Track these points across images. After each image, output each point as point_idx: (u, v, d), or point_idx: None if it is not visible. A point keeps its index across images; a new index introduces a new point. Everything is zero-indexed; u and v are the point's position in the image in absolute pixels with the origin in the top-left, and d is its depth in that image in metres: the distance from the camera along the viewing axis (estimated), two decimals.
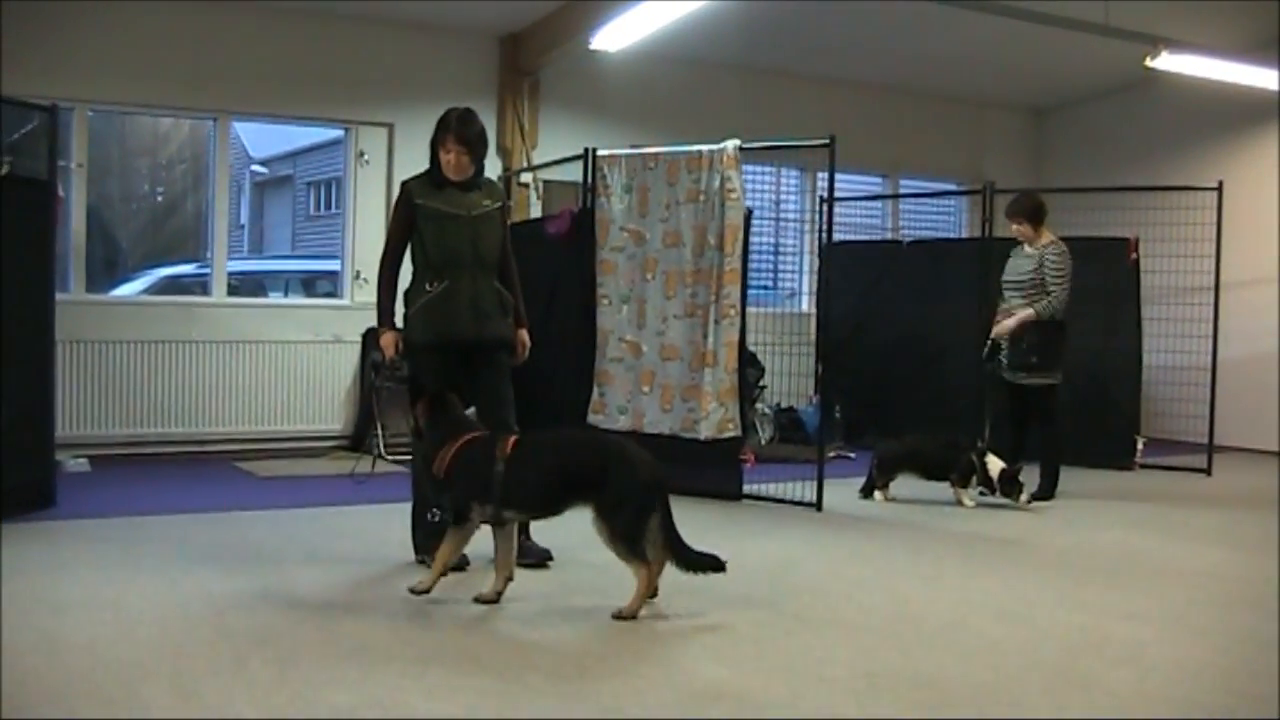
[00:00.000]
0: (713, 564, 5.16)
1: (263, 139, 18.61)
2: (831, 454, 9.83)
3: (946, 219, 13.92)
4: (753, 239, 8.73)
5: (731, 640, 4.82)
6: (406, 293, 6.10)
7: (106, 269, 11.58)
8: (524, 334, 6.27)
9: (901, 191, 13.78)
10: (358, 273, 10.69)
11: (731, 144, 8.32)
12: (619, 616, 5.01)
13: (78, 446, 9.17)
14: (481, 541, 5.44)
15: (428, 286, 5.97)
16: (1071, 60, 12.14)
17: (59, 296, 7.73)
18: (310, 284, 12.88)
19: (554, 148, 10.60)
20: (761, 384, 10.72)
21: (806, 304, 12.47)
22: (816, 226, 11.62)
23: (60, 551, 6.16)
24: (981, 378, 9.08)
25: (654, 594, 5.13)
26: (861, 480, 8.75)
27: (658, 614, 5.15)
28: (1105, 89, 13.38)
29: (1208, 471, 10.24)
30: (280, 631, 4.77)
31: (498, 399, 6.11)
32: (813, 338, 10.61)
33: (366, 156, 10.81)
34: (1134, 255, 10.42)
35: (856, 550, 6.86)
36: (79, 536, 6.58)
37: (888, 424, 11.05)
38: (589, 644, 4.70)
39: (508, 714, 3.92)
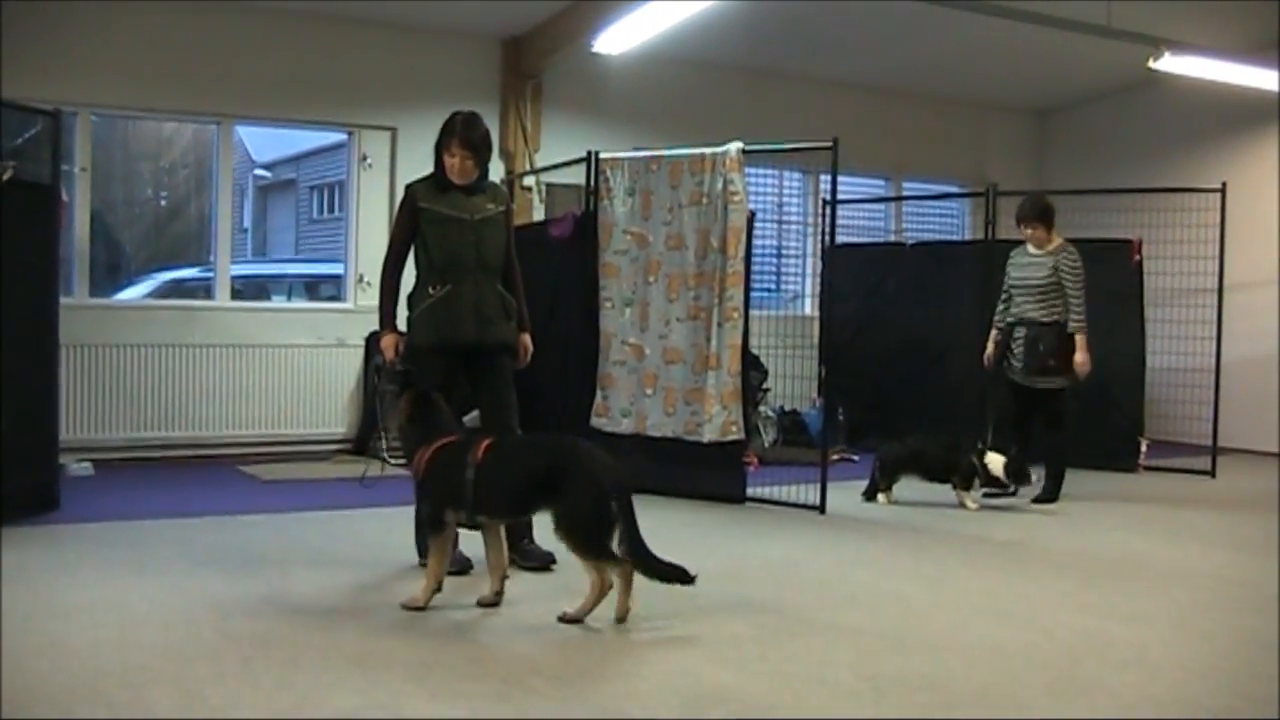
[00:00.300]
0: (680, 575, 4.99)
1: (266, 143, 18.63)
2: (835, 457, 9.83)
3: (949, 221, 13.91)
4: (755, 242, 8.72)
5: (734, 643, 4.82)
6: (410, 296, 6.12)
7: (110, 273, 11.60)
8: (526, 338, 6.28)
9: (904, 194, 13.77)
10: (361, 276, 10.70)
11: (734, 146, 8.32)
12: (564, 619, 4.95)
13: (81, 450, 9.18)
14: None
15: (430, 290, 5.98)
16: (1074, 62, 12.14)
17: (63, 300, 7.73)
18: (313, 288, 12.88)
19: (556, 151, 10.61)
20: (765, 387, 10.72)
21: (809, 307, 12.47)
22: (819, 229, 11.60)
23: (64, 555, 6.17)
24: (983, 379, 9.07)
25: (623, 616, 5.00)
26: (864, 483, 8.75)
27: (658, 617, 5.15)
28: (1108, 90, 13.38)
29: (1211, 473, 10.23)
30: (284, 635, 4.77)
31: (500, 403, 6.12)
32: (816, 340, 10.63)
33: (369, 160, 10.82)
34: (1137, 257, 10.42)
35: (859, 553, 6.86)
36: (83, 540, 6.58)
37: (891, 426, 11.02)
38: (592, 647, 4.70)
39: (510, 716, 3.92)
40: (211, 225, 10.56)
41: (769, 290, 12.33)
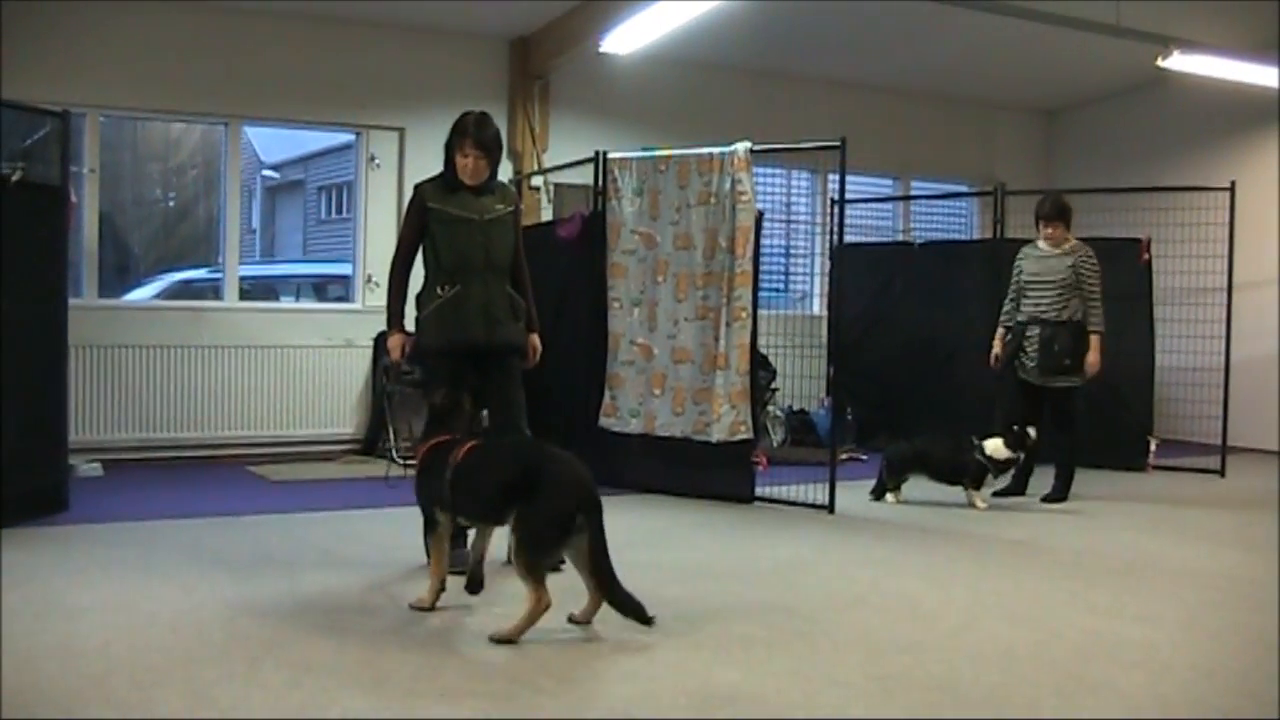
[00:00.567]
0: (637, 613, 4.78)
1: (274, 144, 18.68)
2: (843, 456, 9.83)
3: (957, 220, 13.90)
4: (764, 241, 8.72)
5: (743, 643, 4.82)
6: (418, 296, 6.11)
7: (119, 274, 11.63)
8: (535, 338, 6.28)
9: (912, 193, 13.76)
10: (369, 277, 10.70)
11: (742, 146, 8.32)
12: (495, 639, 4.71)
13: (91, 451, 9.20)
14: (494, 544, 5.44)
15: (439, 290, 5.97)
16: (1082, 61, 12.12)
17: (72, 302, 7.74)
18: (322, 288, 12.90)
19: (564, 151, 10.61)
20: (773, 386, 10.71)
21: (818, 306, 12.46)
22: (827, 228, 11.61)
23: (73, 556, 6.18)
24: (991, 379, 9.05)
25: (583, 619, 4.93)
26: (873, 483, 8.74)
27: (666, 618, 5.15)
28: (1116, 89, 13.36)
29: (1221, 473, 10.21)
30: (293, 636, 4.77)
31: (509, 403, 6.12)
32: (824, 340, 10.63)
33: (377, 160, 10.83)
34: (1146, 256, 10.41)
35: (868, 553, 6.85)
36: (92, 541, 6.59)
37: (899, 426, 11.04)
38: (600, 647, 4.69)
39: (519, 716, 3.92)
40: (220, 226, 10.58)
41: (777, 290, 12.32)
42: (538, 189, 11.08)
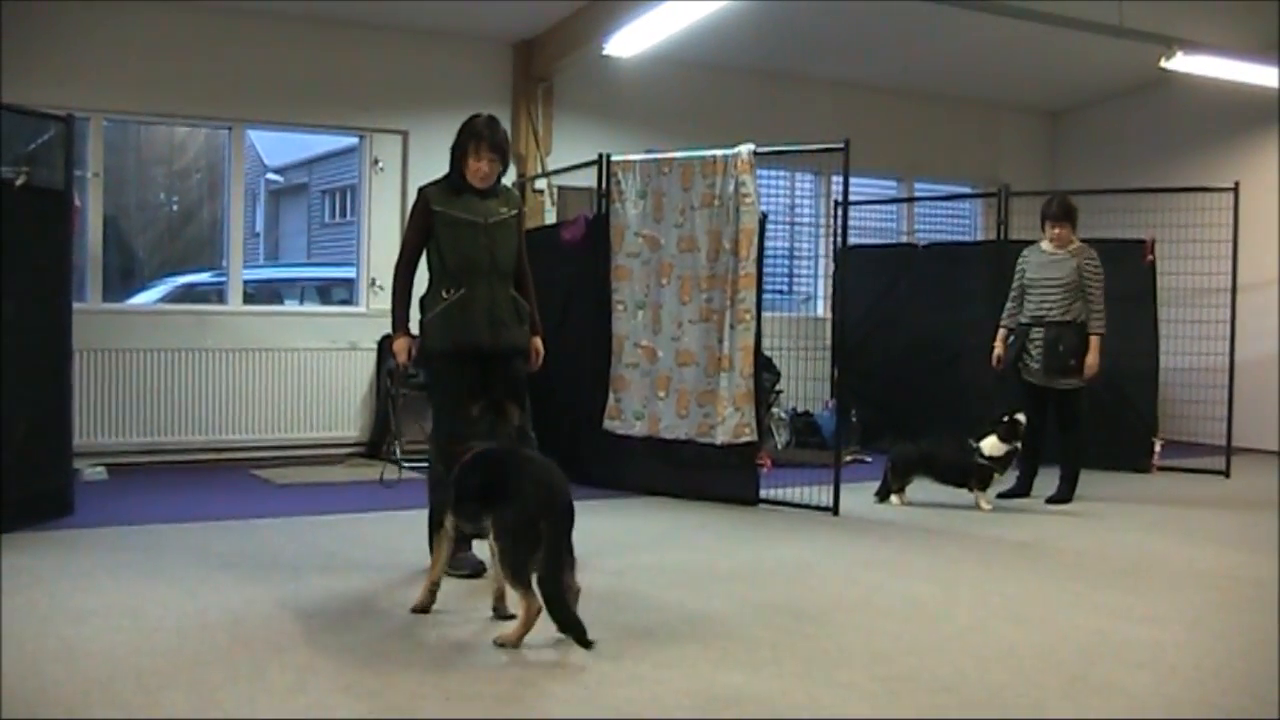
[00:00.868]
0: (578, 632, 4.55)
1: (278, 147, 18.68)
2: (848, 458, 9.83)
3: (961, 222, 13.89)
4: (768, 243, 8.72)
5: (748, 645, 4.82)
6: (422, 299, 6.10)
7: (123, 278, 11.64)
8: (538, 341, 6.28)
9: (916, 195, 13.75)
10: (373, 280, 10.71)
11: (746, 148, 8.32)
12: (498, 643, 4.69)
13: (95, 455, 9.20)
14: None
15: (444, 294, 5.96)
16: (1086, 62, 12.12)
17: (76, 306, 7.75)
18: (326, 291, 12.91)
19: (568, 153, 10.62)
20: (777, 388, 10.71)
21: (822, 308, 12.47)
22: (831, 230, 11.62)
23: (79, 560, 6.18)
24: (994, 380, 9.05)
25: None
26: (878, 484, 8.73)
27: (670, 619, 5.15)
28: (1120, 90, 13.36)
29: (1226, 473, 10.20)
30: (298, 639, 4.78)
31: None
32: (828, 342, 10.62)
33: (381, 164, 10.84)
34: (1150, 257, 10.40)
35: (873, 554, 6.85)
36: (97, 545, 6.60)
37: (903, 427, 11.01)
38: (606, 649, 4.69)
39: (525, 718, 3.92)
40: (224, 230, 10.59)
41: (781, 292, 12.31)
42: (541, 192, 11.08)
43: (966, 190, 13.73)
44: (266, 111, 10.43)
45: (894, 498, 8.56)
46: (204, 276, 11.82)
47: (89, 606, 5.21)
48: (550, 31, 10.70)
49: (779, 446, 10.87)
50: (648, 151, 8.92)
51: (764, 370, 8.90)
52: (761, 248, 8.43)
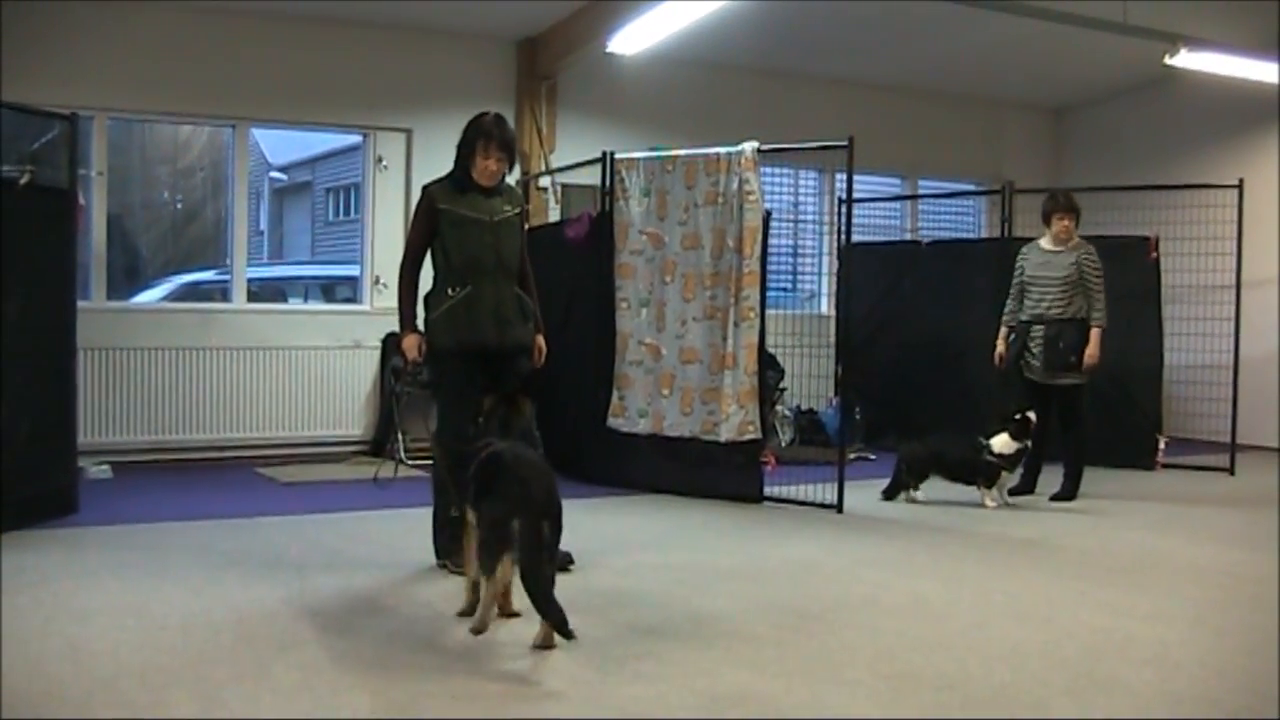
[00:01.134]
0: (558, 622, 4.47)
1: (281, 145, 18.65)
2: (852, 456, 9.82)
3: (965, 219, 13.89)
4: (771, 241, 8.71)
5: (753, 643, 4.82)
6: (427, 297, 6.10)
7: (127, 276, 11.63)
8: (541, 339, 6.27)
9: (920, 192, 13.74)
10: (377, 278, 10.71)
11: (749, 146, 8.32)
12: (473, 631, 4.73)
13: (100, 453, 9.21)
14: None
15: (450, 292, 5.95)
16: (1090, 59, 12.11)
17: (80, 304, 7.74)
18: (330, 290, 12.90)
19: (572, 151, 10.62)
20: (781, 386, 10.71)
21: (826, 306, 12.45)
22: (835, 228, 11.60)
23: (83, 558, 6.19)
24: (997, 378, 9.04)
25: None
26: (883, 482, 8.73)
27: (675, 617, 5.15)
28: (1124, 88, 13.34)
29: (1231, 471, 10.19)
30: (302, 637, 4.78)
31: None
32: (832, 339, 10.60)
33: (385, 162, 10.84)
34: (1154, 254, 10.39)
35: (877, 552, 6.85)
36: (102, 543, 6.60)
37: (908, 425, 11.02)
38: (610, 647, 4.69)
39: (530, 717, 3.93)
40: (228, 228, 10.60)
41: (785, 289, 12.32)
42: (545, 190, 11.08)
43: (970, 187, 13.71)
44: (270, 110, 10.44)
45: (918, 494, 8.51)
46: (208, 275, 11.82)
47: (93, 605, 5.22)
48: (554, 29, 10.70)
49: (783, 444, 10.87)
50: (651, 149, 8.92)
51: (768, 368, 8.91)
52: (765, 245, 8.43)
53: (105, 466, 9.07)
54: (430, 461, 7.04)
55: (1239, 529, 7.85)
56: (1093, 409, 9.02)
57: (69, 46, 9.37)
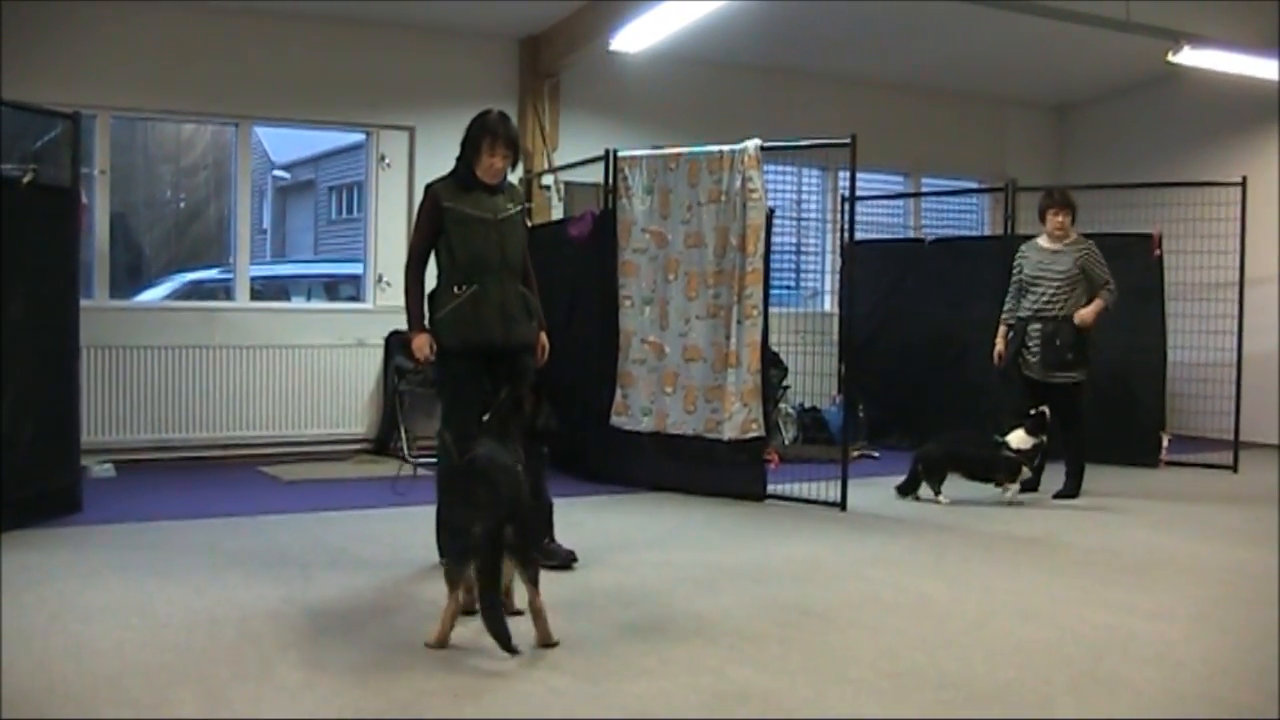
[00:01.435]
0: (500, 641, 4.45)
1: (284, 144, 18.66)
2: (855, 454, 9.81)
3: (968, 217, 13.88)
4: (774, 239, 8.71)
5: (757, 641, 4.82)
6: (431, 296, 6.08)
7: (130, 275, 11.64)
8: (544, 336, 6.27)
9: (923, 190, 13.73)
10: (380, 276, 10.71)
11: (752, 144, 8.32)
12: (427, 644, 4.67)
13: (103, 452, 9.21)
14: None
15: (456, 290, 5.93)
16: (1093, 57, 12.10)
17: (83, 303, 7.76)
18: (333, 288, 12.91)
19: (575, 149, 10.63)
20: (785, 384, 10.70)
21: (829, 304, 12.43)
22: (838, 226, 11.60)
23: (87, 557, 6.19)
24: (997, 376, 9.03)
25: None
26: (886, 480, 8.73)
27: (679, 615, 5.16)
28: (1127, 85, 13.33)
29: (1234, 468, 10.18)
30: (306, 636, 4.79)
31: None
32: (835, 337, 10.62)
33: (388, 160, 10.84)
34: (1157, 251, 10.38)
35: (881, 550, 6.85)
36: (105, 542, 6.61)
37: (911, 423, 11.04)
38: (613, 646, 4.70)
39: (533, 716, 3.93)
40: (231, 226, 10.60)
41: (788, 287, 12.30)
42: (548, 188, 11.07)
43: (973, 185, 13.70)
44: (273, 108, 10.43)
45: (940, 497, 8.48)
46: (211, 273, 11.83)
47: (97, 604, 5.23)
48: (557, 27, 10.70)
49: (786, 442, 10.85)
50: (654, 147, 8.92)
51: (771, 366, 8.89)
52: (768, 243, 8.43)
53: (109, 465, 9.07)
54: (433, 460, 7.04)
55: (1242, 526, 7.84)
56: (1096, 406, 9.02)
57: (71, 45, 9.37)
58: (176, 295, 11.52)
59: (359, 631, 4.85)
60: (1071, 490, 8.67)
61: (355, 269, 11.38)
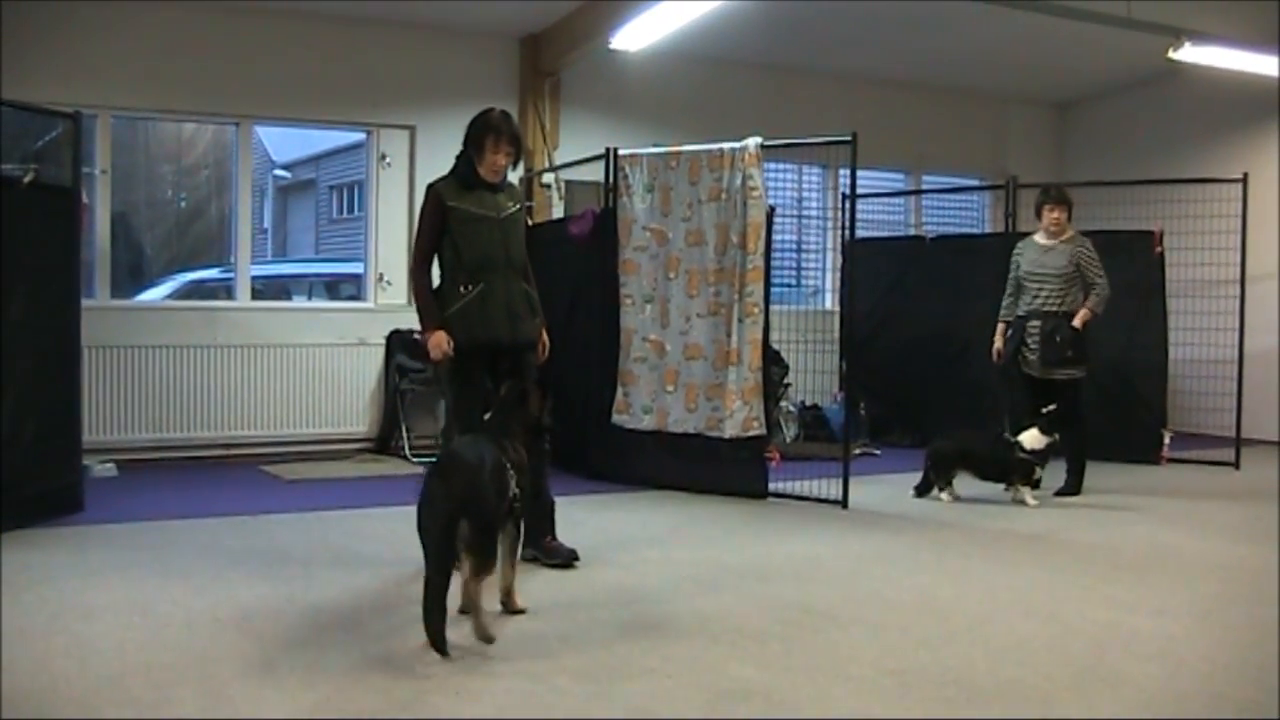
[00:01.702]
0: (434, 642, 4.44)
1: (285, 143, 18.69)
2: (857, 451, 9.81)
3: (969, 214, 13.87)
4: (775, 237, 8.71)
5: (758, 639, 4.82)
6: (436, 295, 6.07)
7: (132, 275, 11.65)
8: (544, 333, 6.27)
9: (924, 188, 13.73)
10: (381, 275, 10.70)
11: (753, 142, 8.32)
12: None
13: (105, 451, 9.22)
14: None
15: (462, 289, 5.92)
16: (1094, 54, 12.09)
17: (85, 303, 7.75)
18: (334, 287, 12.92)
19: (575, 148, 10.62)
20: (786, 382, 10.69)
21: (830, 301, 12.45)
22: (839, 223, 11.59)
23: (89, 556, 6.19)
24: (996, 374, 9.03)
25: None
26: (888, 478, 8.74)
27: (681, 613, 5.16)
28: (1128, 82, 13.33)
29: (1235, 465, 10.18)
30: (307, 635, 4.79)
31: None
32: (836, 335, 10.62)
33: (388, 159, 10.83)
34: (1159, 249, 10.37)
35: (882, 548, 6.84)
36: (107, 541, 6.61)
37: (913, 421, 11.05)
38: (615, 644, 4.70)
39: (534, 715, 3.93)
40: (232, 226, 10.59)
41: (789, 285, 12.30)
42: (549, 186, 11.07)
43: (974, 183, 13.70)
44: (274, 107, 10.43)
45: (943, 495, 8.48)
46: (212, 273, 11.84)
47: (99, 603, 5.23)
48: (557, 26, 10.69)
49: (787, 440, 10.86)
50: (655, 145, 8.91)
51: (772, 364, 8.89)
52: (769, 241, 8.42)
53: (110, 464, 9.08)
54: (434, 459, 7.03)
55: (1244, 523, 7.83)
56: (1097, 404, 9.01)
57: (72, 45, 9.38)
58: (178, 295, 11.54)
59: (360, 630, 4.85)
60: (1073, 487, 8.67)
61: (356, 268, 11.38)
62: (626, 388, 8.81)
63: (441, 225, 5.95)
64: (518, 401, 5.49)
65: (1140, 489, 9.10)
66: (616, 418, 8.83)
